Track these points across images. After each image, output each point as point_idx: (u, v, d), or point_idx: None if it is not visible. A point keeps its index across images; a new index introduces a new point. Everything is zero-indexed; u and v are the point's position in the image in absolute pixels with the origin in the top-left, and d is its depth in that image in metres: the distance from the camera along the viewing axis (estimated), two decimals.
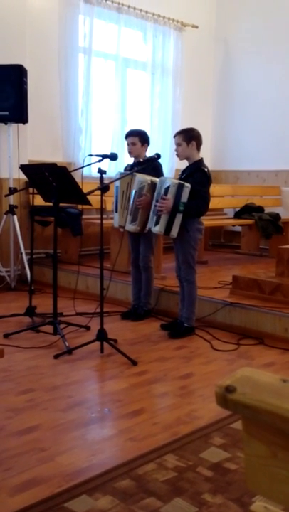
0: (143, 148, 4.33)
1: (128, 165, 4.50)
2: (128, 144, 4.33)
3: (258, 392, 0.80)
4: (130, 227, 4.21)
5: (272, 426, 0.79)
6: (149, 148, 4.42)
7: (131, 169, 4.30)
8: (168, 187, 3.79)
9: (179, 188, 3.77)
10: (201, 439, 2.45)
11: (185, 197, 3.77)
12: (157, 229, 3.90)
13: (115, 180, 4.15)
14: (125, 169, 4.47)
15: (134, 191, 4.14)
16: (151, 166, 4.22)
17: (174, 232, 3.84)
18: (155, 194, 3.96)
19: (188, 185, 3.77)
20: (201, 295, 4.25)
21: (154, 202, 3.96)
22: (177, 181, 3.80)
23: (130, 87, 6.91)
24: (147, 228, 4.16)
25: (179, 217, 3.80)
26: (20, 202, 5.70)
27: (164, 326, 4.20)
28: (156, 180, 4.10)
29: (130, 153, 4.34)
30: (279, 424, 0.77)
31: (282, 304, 4.15)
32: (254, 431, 0.85)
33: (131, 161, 4.47)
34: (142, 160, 4.31)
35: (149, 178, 4.10)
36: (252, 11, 7.38)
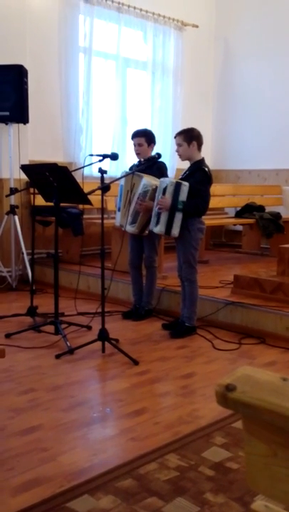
0: (150, 149, 4.30)
1: (134, 164, 4.47)
2: (134, 145, 4.29)
3: (258, 391, 0.80)
4: (129, 228, 4.21)
5: (272, 424, 0.79)
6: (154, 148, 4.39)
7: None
8: (166, 187, 3.80)
9: (177, 186, 3.77)
10: (203, 439, 2.45)
11: (183, 196, 3.77)
12: (158, 229, 3.90)
13: (116, 180, 4.14)
14: (131, 169, 4.43)
15: (137, 194, 4.11)
16: (156, 166, 4.22)
17: (175, 231, 3.83)
18: (156, 196, 3.96)
19: (186, 183, 3.78)
20: (202, 294, 4.25)
21: (155, 203, 3.96)
22: (175, 180, 3.81)
23: (131, 86, 6.91)
24: (147, 231, 4.16)
25: (178, 216, 3.79)
26: (21, 202, 5.70)
27: (165, 326, 4.20)
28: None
29: (138, 154, 4.30)
30: (279, 422, 0.77)
31: (283, 303, 4.15)
32: (254, 429, 0.85)
33: (136, 160, 4.44)
34: (142, 160, 4.30)
35: (154, 183, 4.05)
36: (252, 10, 7.37)
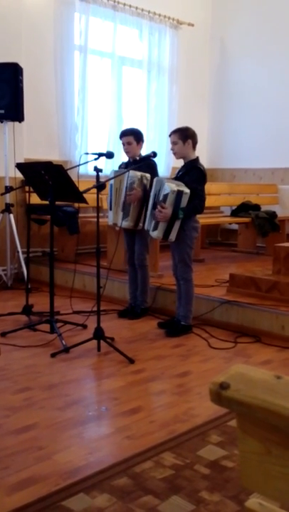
0: (138, 147, 4.32)
1: (123, 163, 4.49)
2: (124, 144, 4.31)
3: (251, 389, 0.80)
4: (123, 223, 4.21)
5: (266, 422, 0.79)
6: (144, 146, 4.41)
7: (126, 167, 4.29)
8: (166, 194, 3.76)
9: (178, 195, 3.73)
10: (198, 437, 2.45)
11: (184, 203, 3.75)
12: (156, 234, 3.89)
13: (111, 179, 4.15)
14: (120, 167, 4.47)
15: (124, 187, 4.14)
16: (146, 163, 4.22)
17: (173, 236, 3.84)
18: (151, 195, 3.95)
19: (187, 191, 3.75)
20: (197, 293, 4.25)
21: (150, 203, 3.95)
22: (176, 188, 3.75)
23: (126, 85, 6.90)
24: (140, 226, 4.16)
25: (177, 223, 3.79)
26: (16, 200, 5.69)
27: (161, 325, 4.20)
28: (147, 175, 4.10)
29: (127, 152, 4.32)
30: (273, 420, 0.77)
31: (278, 301, 4.16)
32: (248, 427, 0.85)
33: (125, 158, 4.47)
34: (137, 158, 4.31)
35: (139, 173, 4.10)
36: (248, 9, 7.37)
